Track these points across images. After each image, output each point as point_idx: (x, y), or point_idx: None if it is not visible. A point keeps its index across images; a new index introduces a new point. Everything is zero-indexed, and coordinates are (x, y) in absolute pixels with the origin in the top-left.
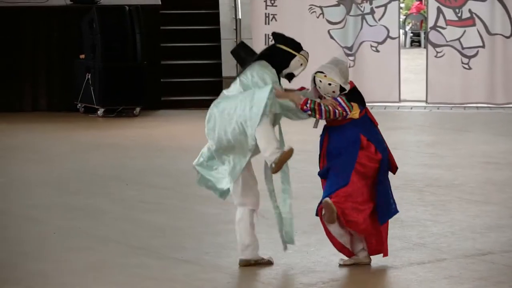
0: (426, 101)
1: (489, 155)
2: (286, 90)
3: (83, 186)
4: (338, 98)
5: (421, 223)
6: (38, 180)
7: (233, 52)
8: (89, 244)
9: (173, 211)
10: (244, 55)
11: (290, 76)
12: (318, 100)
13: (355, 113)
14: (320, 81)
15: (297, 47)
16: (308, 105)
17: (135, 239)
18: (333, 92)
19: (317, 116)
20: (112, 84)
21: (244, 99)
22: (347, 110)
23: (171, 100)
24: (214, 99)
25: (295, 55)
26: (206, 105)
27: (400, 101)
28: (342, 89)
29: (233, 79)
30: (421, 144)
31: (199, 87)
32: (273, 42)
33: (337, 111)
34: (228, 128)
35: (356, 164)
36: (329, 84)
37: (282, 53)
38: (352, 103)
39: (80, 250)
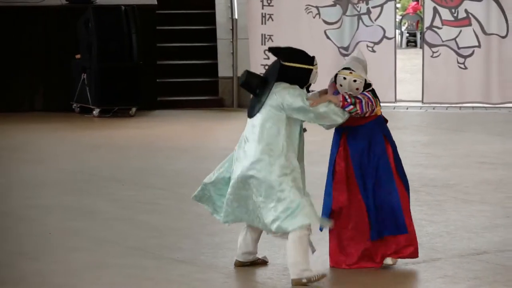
0: (422, 101)
1: (485, 155)
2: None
3: (79, 186)
4: (366, 93)
5: (417, 223)
6: (34, 181)
7: (244, 84)
8: (85, 244)
9: (169, 211)
10: (256, 82)
11: (308, 87)
12: (353, 94)
13: (378, 108)
14: (344, 78)
15: (310, 60)
16: (348, 101)
17: (132, 239)
18: (357, 89)
19: (358, 109)
20: (108, 84)
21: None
22: (374, 104)
23: (167, 100)
24: (209, 99)
25: (312, 70)
26: (202, 105)
27: (396, 101)
28: (364, 86)
29: (252, 100)
30: (417, 144)
31: (195, 87)
32: (275, 57)
33: (369, 103)
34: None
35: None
36: (354, 80)
37: (300, 72)
38: (376, 99)
39: (76, 251)
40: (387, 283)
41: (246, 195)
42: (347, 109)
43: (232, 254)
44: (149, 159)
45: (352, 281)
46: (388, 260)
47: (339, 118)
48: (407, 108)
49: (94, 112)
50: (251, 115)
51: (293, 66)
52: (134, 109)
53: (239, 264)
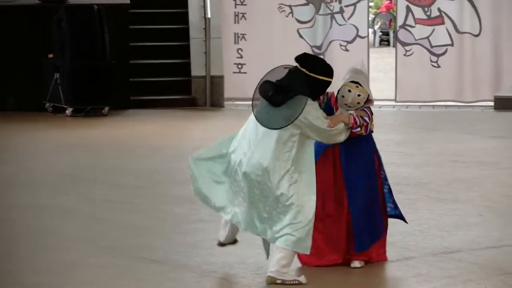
0: (395, 100)
1: (457, 153)
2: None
3: (52, 185)
4: (366, 109)
5: (389, 221)
6: (6, 180)
7: (270, 98)
8: (58, 243)
9: (142, 210)
10: (275, 90)
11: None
12: (354, 114)
13: (372, 124)
14: (349, 90)
15: (332, 72)
16: (358, 123)
17: (105, 238)
18: (358, 103)
19: (363, 132)
20: (81, 84)
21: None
22: (371, 123)
23: (140, 99)
24: (182, 98)
25: (331, 82)
26: (175, 104)
27: None
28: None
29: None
30: (390, 143)
31: (168, 87)
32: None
33: (370, 126)
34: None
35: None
36: (358, 95)
37: (323, 84)
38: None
39: (48, 250)
40: (360, 282)
41: (254, 201)
42: (354, 130)
43: (205, 253)
44: (121, 158)
45: (325, 281)
46: (356, 263)
47: (343, 138)
48: (380, 107)
49: (66, 111)
50: (270, 126)
51: (320, 79)
52: (107, 109)
53: (221, 245)
